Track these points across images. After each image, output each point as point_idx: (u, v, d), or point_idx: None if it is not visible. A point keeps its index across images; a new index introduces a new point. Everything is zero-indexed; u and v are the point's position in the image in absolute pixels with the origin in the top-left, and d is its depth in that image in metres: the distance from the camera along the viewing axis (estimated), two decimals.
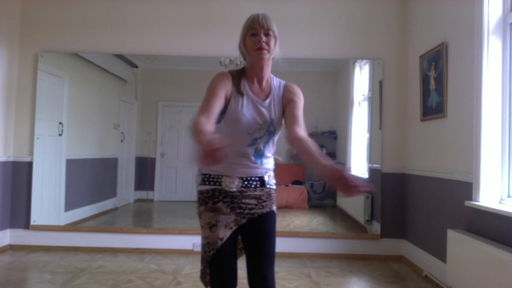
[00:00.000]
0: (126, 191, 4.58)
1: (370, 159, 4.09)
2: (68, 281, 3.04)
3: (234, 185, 1.57)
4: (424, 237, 3.46)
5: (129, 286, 2.98)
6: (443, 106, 3.11)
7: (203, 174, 1.61)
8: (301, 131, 1.53)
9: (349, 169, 1.59)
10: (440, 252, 3.08)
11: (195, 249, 3.89)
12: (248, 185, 1.60)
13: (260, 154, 1.61)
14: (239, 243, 1.65)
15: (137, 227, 4.04)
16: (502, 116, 2.60)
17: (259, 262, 1.59)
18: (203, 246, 1.58)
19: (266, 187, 1.63)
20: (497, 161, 2.61)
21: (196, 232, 3.93)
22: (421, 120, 3.52)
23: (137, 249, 3.92)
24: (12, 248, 3.91)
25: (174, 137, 4.59)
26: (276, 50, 1.57)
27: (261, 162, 1.62)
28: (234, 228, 1.57)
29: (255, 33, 1.53)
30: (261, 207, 1.61)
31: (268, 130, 1.58)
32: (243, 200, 1.59)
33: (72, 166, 4.18)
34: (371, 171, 4.07)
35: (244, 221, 1.58)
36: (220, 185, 1.57)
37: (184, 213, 4.57)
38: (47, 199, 4.03)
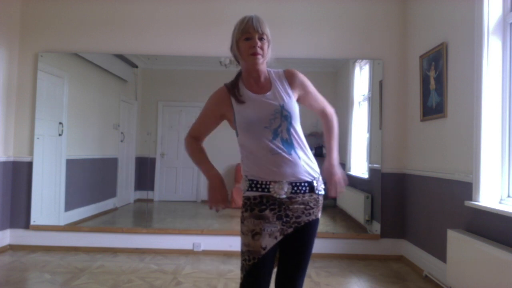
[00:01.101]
0: (126, 191, 4.58)
1: (370, 159, 4.09)
2: (68, 281, 3.04)
3: (283, 191, 1.51)
4: (424, 237, 3.46)
5: (129, 286, 2.98)
6: (443, 106, 3.11)
7: (250, 180, 1.55)
8: (326, 108, 1.70)
9: (340, 167, 1.54)
10: (440, 252, 3.08)
11: (195, 249, 3.89)
12: (297, 191, 1.54)
13: (289, 143, 1.53)
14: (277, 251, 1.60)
15: (137, 227, 4.04)
16: (502, 116, 2.60)
17: (294, 273, 1.56)
18: (243, 253, 1.52)
19: (315, 193, 1.58)
20: (497, 161, 2.61)
21: (196, 232, 3.94)
22: (421, 120, 3.52)
23: (137, 249, 3.92)
24: (12, 248, 3.91)
25: (174, 137, 4.59)
26: (269, 54, 1.57)
27: (297, 154, 1.53)
28: (279, 238, 1.52)
29: (249, 37, 1.51)
30: (308, 214, 1.56)
31: (282, 115, 1.53)
32: (291, 207, 1.53)
33: (72, 166, 4.18)
34: (371, 171, 4.07)
35: (290, 230, 1.53)
36: (268, 191, 1.51)
37: (184, 213, 4.57)
38: (47, 199, 4.03)
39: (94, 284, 3.00)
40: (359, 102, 4.40)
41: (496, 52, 2.60)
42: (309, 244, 1.59)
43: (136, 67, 4.46)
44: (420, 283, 3.20)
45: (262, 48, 1.52)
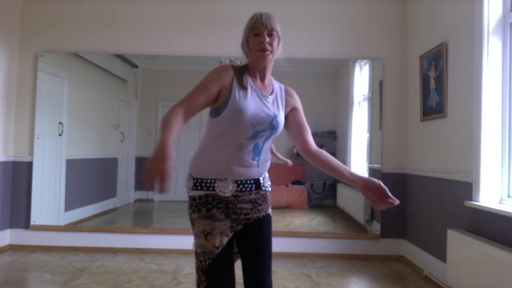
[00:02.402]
0: (126, 191, 4.58)
1: (370, 159, 4.09)
2: (68, 281, 3.04)
3: (228, 190, 1.51)
4: (424, 237, 3.46)
5: (129, 286, 2.98)
6: (443, 106, 3.11)
7: (194, 179, 1.55)
8: (313, 142, 1.64)
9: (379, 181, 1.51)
10: (440, 252, 3.08)
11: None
12: (243, 189, 1.54)
13: (258, 151, 1.54)
14: (234, 247, 1.59)
15: (137, 227, 4.04)
16: (502, 116, 2.60)
17: (257, 269, 1.56)
18: (198, 255, 1.52)
19: (262, 190, 1.59)
20: (497, 161, 2.61)
21: None
22: (421, 120, 3.52)
23: (137, 249, 3.92)
24: (12, 248, 3.91)
25: (174, 137, 4.59)
26: (279, 50, 1.55)
27: (258, 162, 1.55)
28: (230, 235, 1.51)
29: (258, 33, 1.50)
30: (257, 211, 1.56)
31: (271, 124, 1.52)
32: (238, 205, 1.53)
33: (72, 166, 4.18)
34: (371, 171, 4.07)
35: (240, 227, 1.53)
36: (213, 190, 1.51)
37: (184, 213, 4.53)
38: (47, 199, 4.03)
39: (94, 284, 3.00)
40: (359, 102, 4.40)
41: (496, 52, 2.60)
42: (265, 240, 1.58)
43: (136, 67, 4.46)
44: (420, 283, 3.20)
45: (271, 44, 1.50)
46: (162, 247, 3.92)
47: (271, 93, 1.57)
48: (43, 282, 3.03)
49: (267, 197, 1.61)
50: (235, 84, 1.50)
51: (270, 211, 1.62)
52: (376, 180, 1.49)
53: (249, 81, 1.53)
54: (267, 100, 1.54)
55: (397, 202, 1.48)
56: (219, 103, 1.50)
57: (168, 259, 3.72)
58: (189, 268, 3.43)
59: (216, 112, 1.51)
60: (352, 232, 4.06)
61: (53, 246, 3.92)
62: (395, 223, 3.89)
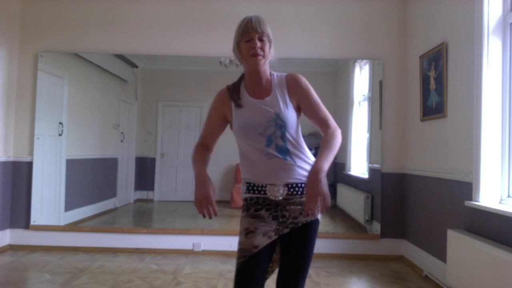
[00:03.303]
0: (126, 191, 4.58)
1: (370, 159, 4.09)
2: (68, 281, 3.04)
3: (279, 193, 1.51)
4: (424, 237, 3.46)
5: (129, 286, 2.98)
6: (443, 106, 3.11)
7: (247, 183, 1.56)
8: (328, 124, 1.56)
9: (323, 179, 1.45)
10: (440, 252, 3.08)
11: (195, 249, 3.89)
12: (294, 192, 1.52)
13: (283, 150, 1.52)
14: (272, 254, 1.56)
15: (137, 227, 4.04)
16: (502, 116, 2.60)
17: (294, 274, 1.52)
18: (237, 252, 1.52)
19: (303, 194, 1.52)
20: (497, 161, 2.61)
21: (196, 232, 3.94)
22: (421, 120, 3.52)
23: (137, 249, 3.92)
24: (12, 248, 3.91)
25: (174, 137, 4.59)
26: (271, 53, 1.55)
27: (292, 159, 1.52)
28: (273, 238, 1.50)
29: (249, 38, 1.50)
30: (306, 215, 1.52)
31: (276, 124, 1.51)
32: (287, 207, 1.51)
33: (72, 166, 4.18)
34: (371, 171, 4.07)
35: (286, 230, 1.51)
36: (265, 193, 1.52)
37: (184, 213, 4.57)
38: (47, 199, 4.03)
39: (94, 284, 3.00)
40: (359, 102, 4.40)
41: (496, 52, 2.60)
42: (309, 245, 1.54)
43: (136, 67, 4.46)
44: (420, 283, 3.20)
45: (262, 49, 1.50)
46: (162, 247, 3.92)
47: (270, 94, 1.55)
48: (43, 282, 3.03)
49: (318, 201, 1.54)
50: (232, 105, 1.57)
51: (319, 216, 1.57)
52: (312, 178, 1.39)
53: (244, 95, 1.57)
54: (265, 104, 1.53)
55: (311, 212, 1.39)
56: (230, 122, 1.61)
57: (168, 259, 3.72)
58: (189, 268, 3.43)
59: (233, 130, 1.60)
60: (352, 232, 4.06)
61: (53, 246, 3.92)
62: (395, 223, 3.89)
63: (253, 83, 1.57)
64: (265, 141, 1.51)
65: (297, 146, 1.55)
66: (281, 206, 1.52)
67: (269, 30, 1.52)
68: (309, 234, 1.54)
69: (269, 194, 1.52)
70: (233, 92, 1.59)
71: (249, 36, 1.50)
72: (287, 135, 1.52)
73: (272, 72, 1.61)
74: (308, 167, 1.54)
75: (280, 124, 1.51)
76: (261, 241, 1.49)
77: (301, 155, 1.55)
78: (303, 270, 1.53)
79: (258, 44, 1.49)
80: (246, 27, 1.50)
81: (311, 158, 1.58)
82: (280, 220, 1.51)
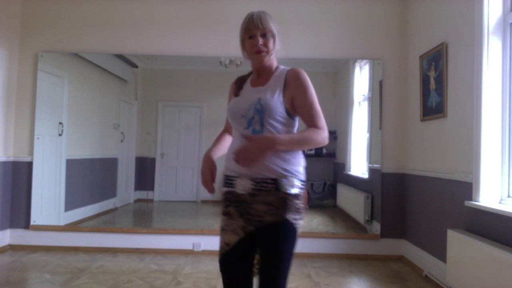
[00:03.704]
0: (126, 191, 4.58)
1: (370, 159, 4.09)
2: (68, 281, 3.04)
3: (244, 187, 1.48)
4: (424, 237, 3.46)
5: (129, 286, 2.98)
6: (443, 106, 3.11)
7: (225, 176, 1.58)
8: (316, 123, 1.52)
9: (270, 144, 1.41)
10: (440, 252, 3.08)
11: (195, 249, 3.89)
12: (261, 188, 1.46)
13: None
14: (251, 251, 1.52)
15: (137, 227, 4.04)
16: (502, 116, 2.60)
17: (268, 276, 1.45)
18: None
19: (281, 192, 1.46)
20: (497, 161, 2.61)
21: (196, 232, 3.94)
22: (421, 120, 3.52)
23: (137, 249, 3.92)
24: (12, 248, 3.91)
25: (174, 137, 4.59)
26: (276, 48, 1.56)
27: None
28: (241, 236, 1.47)
29: (252, 35, 1.52)
30: (272, 214, 1.45)
31: (255, 108, 1.49)
32: (253, 206, 1.47)
33: (72, 166, 4.18)
34: (371, 171, 4.07)
35: (251, 228, 1.46)
36: (234, 187, 1.52)
37: (184, 213, 4.57)
38: (47, 199, 4.03)
39: (94, 284, 3.00)
40: (359, 102, 4.40)
41: (496, 52, 2.60)
42: (278, 247, 1.44)
43: (136, 67, 4.46)
44: (420, 283, 3.20)
45: (266, 45, 1.52)
46: (162, 247, 3.92)
47: (266, 84, 1.55)
48: (43, 282, 3.03)
49: (288, 201, 1.46)
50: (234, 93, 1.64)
51: (290, 216, 1.46)
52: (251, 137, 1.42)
53: (246, 86, 1.61)
54: (256, 91, 1.55)
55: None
56: None
57: (168, 259, 3.72)
58: (189, 268, 3.43)
59: None
60: (352, 232, 4.06)
61: (53, 246, 3.92)
62: (395, 223, 3.89)
63: (257, 76, 1.61)
64: (246, 123, 1.52)
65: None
66: (246, 204, 1.48)
67: (271, 25, 1.52)
68: (278, 234, 1.45)
69: (236, 188, 1.51)
70: (237, 82, 1.65)
71: (251, 33, 1.52)
72: (265, 122, 1.48)
73: (280, 65, 1.61)
74: (284, 162, 1.47)
75: (258, 108, 1.49)
76: (231, 238, 1.50)
77: (279, 153, 1.47)
78: (277, 272, 1.45)
79: (261, 41, 1.51)
80: (248, 24, 1.52)
81: (295, 161, 1.50)
82: (246, 217, 1.48)
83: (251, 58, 1.57)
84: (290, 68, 1.57)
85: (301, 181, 1.52)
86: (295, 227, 1.47)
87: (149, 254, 3.84)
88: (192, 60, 4.15)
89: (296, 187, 1.48)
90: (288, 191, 1.46)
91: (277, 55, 1.61)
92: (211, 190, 1.56)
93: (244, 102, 1.54)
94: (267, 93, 1.52)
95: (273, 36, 1.53)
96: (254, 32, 1.51)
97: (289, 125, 1.53)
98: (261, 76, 1.59)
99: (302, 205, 1.52)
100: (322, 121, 1.53)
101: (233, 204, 1.51)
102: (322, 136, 1.51)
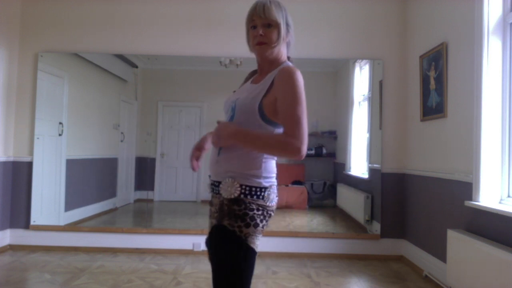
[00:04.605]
0: (126, 191, 4.58)
1: (370, 159, 4.09)
2: (68, 281, 3.04)
3: (208, 189, 1.48)
4: (424, 237, 3.46)
5: (129, 286, 2.98)
6: (443, 106, 3.11)
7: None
8: (289, 131, 1.29)
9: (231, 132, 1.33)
10: (440, 252, 3.08)
11: (195, 249, 3.89)
12: (212, 190, 1.44)
13: None
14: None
15: (137, 227, 4.04)
16: (502, 116, 2.60)
17: (213, 278, 1.37)
18: None
19: (220, 194, 1.37)
20: (497, 161, 2.61)
21: (196, 232, 3.94)
22: (421, 120, 3.52)
23: (137, 249, 3.92)
24: (12, 248, 3.91)
25: (174, 137, 4.59)
26: (281, 39, 1.41)
27: (218, 152, 1.42)
28: (207, 237, 1.43)
29: (254, 25, 1.41)
30: (214, 217, 1.41)
31: (232, 108, 1.42)
32: (211, 207, 1.47)
33: (72, 166, 4.18)
34: (371, 171, 4.07)
35: (210, 230, 1.43)
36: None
37: (184, 213, 4.57)
38: (47, 199, 4.03)
39: (94, 284, 3.00)
40: (359, 102, 4.40)
41: (496, 52, 2.60)
42: (214, 254, 1.36)
43: (136, 67, 4.45)
44: (420, 283, 3.20)
45: (268, 36, 1.39)
46: (162, 247, 3.92)
47: (262, 81, 1.43)
48: (43, 282, 3.03)
49: (224, 206, 1.35)
50: None
51: (227, 222, 1.32)
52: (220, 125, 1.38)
53: (247, 83, 1.53)
54: (249, 88, 1.44)
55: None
56: None
57: (168, 259, 3.72)
58: (189, 268, 3.43)
59: None
60: (352, 232, 4.05)
61: (53, 246, 3.92)
62: (395, 223, 3.89)
63: (260, 71, 1.50)
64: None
65: (233, 148, 1.37)
66: (211, 204, 1.48)
67: (276, 15, 1.39)
68: (213, 240, 1.38)
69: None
70: (249, 75, 1.59)
71: (253, 23, 1.41)
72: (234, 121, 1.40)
73: (287, 62, 1.48)
74: (230, 169, 1.36)
75: (232, 108, 1.42)
76: (207, 238, 1.44)
77: (235, 153, 1.36)
78: (215, 279, 1.36)
79: (261, 31, 1.38)
80: (251, 13, 1.42)
81: (246, 163, 1.35)
82: (210, 218, 1.48)
83: (253, 50, 1.45)
84: (283, 66, 1.41)
85: (249, 186, 1.34)
86: (235, 234, 1.31)
87: (149, 254, 3.84)
88: (192, 60, 4.15)
89: (235, 192, 1.33)
90: (224, 196, 1.35)
91: (290, 51, 1.50)
92: (191, 166, 1.54)
93: (232, 99, 1.46)
94: (248, 93, 1.40)
95: (278, 27, 1.39)
96: (256, 22, 1.40)
97: (259, 128, 1.36)
98: (263, 72, 1.47)
99: (247, 211, 1.32)
100: (301, 131, 1.28)
101: (209, 205, 1.51)
102: (294, 146, 1.26)
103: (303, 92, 1.33)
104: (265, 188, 1.36)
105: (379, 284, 3.15)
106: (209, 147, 1.57)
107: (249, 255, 1.33)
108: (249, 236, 1.32)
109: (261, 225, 1.35)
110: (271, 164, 1.42)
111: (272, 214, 1.41)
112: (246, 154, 1.36)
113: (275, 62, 1.44)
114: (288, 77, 1.33)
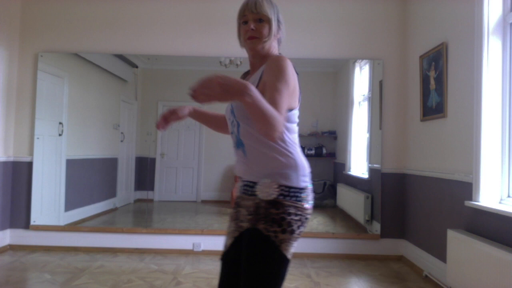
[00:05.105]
0: (126, 191, 4.58)
1: (370, 159, 4.09)
2: (68, 281, 3.04)
3: (239, 190, 1.42)
4: (424, 237, 3.46)
5: (129, 286, 2.98)
6: (443, 106, 3.11)
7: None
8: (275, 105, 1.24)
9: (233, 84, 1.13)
10: (440, 252, 3.08)
11: (195, 249, 3.89)
12: (245, 192, 1.37)
13: (238, 141, 1.39)
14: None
15: (137, 227, 4.04)
16: (502, 116, 2.60)
17: (243, 284, 1.29)
18: None
19: (257, 197, 1.31)
20: (497, 161, 2.61)
21: (196, 232, 3.94)
22: (421, 120, 3.52)
23: (137, 249, 3.92)
24: (12, 248, 3.91)
25: (174, 137, 4.59)
26: (271, 35, 1.40)
27: (244, 153, 1.36)
28: (233, 240, 1.40)
29: (245, 20, 1.40)
30: (247, 220, 1.32)
31: (231, 109, 1.40)
32: (240, 209, 1.38)
33: (72, 166, 4.18)
34: (371, 171, 4.07)
35: (237, 233, 1.38)
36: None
37: (184, 213, 4.57)
38: (47, 199, 4.03)
39: (94, 284, 3.00)
40: (359, 102, 4.40)
41: (496, 52, 2.60)
42: (246, 258, 1.29)
43: (136, 67, 4.45)
44: (420, 283, 3.20)
45: (259, 31, 1.38)
46: (162, 247, 3.92)
47: (253, 76, 1.43)
48: (43, 282, 3.03)
49: (261, 208, 1.29)
50: None
51: (262, 226, 1.27)
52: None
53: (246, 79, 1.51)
54: None
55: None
56: None
57: (168, 259, 3.72)
58: (189, 268, 3.43)
59: None
60: (352, 232, 4.06)
61: (53, 246, 3.92)
62: (395, 223, 3.89)
63: (252, 68, 1.48)
64: (230, 127, 1.45)
65: (258, 140, 1.32)
66: (239, 207, 1.40)
67: (268, 10, 1.39)
68: (247, 243, 1.30)
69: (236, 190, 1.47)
70: (244, 75, 1.56)
71: (245, 18, 1.40)
72: (242, 125, 1.35)
73: (278, 54, 1.46)
74: (267, 168, 1.31)
75: (231, 110, 1.39)
76: (227, 241, 1.44)
77: (263, 151, 1.32)
78: (246, 282, 1.28)
79: (252, 25, 1.37)
80: (242, 8, 1.41)
81: (282, 162, 1.31)
82: (236, 221, 1.40)
83: (244, 45, 1.43)
84: (274, 56, 1.39)
85: (287, 187, 1.29)
86: (269, 240, 1.26)
87: (149, 254, 3.84)
88: (192, 60, 4.15)
89: (273, 193, 1.28)
90: (261, 197, 1.30)
91: (282, 49, 1.49)
92: (158, 122, 1.51)
93: (229, 104, 1.44)
94: None
95: (269, 22, 1.39)
96: (248, 16, 1.38)
97: None
98: (255, 69, 1.45)
99: (285, 216, 1.27)
100: (282, 110, 1.23)
101: (234, 207, 1.44)
102: (278, 121, 1.18)
103: (289, 75, 1.30)
104: (303, 189, 1.32)
105: (379, 284, 3.15)
106: (183, 116, 1.54)
107: (283, 262, 1.29)
108: (283, 243, 1.27)
109: (297, 231, 1.30)
110: (304, 161, 1.37)
111: (309, 218, 1.35)
112: (278, 152, 1.31)
113: (266, 58, 1.41)
114: (279, 63, 1.31)
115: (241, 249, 1.34)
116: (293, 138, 1.37)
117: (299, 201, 1.30)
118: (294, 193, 1.30)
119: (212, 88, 1.10)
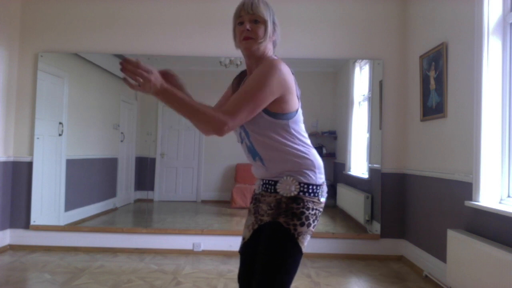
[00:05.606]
0: (126, 191, 4.58)
1: (370, 159, 4.08)
2: (68, 281, 3.04)
3: (258, 187, 1.52)
4: (424, 237, 3.46)
5: (129, 286, 2.98)
6: (443, 106, 3.11)
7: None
8: (224, 108, 1.30)
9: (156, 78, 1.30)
10: (440, 252, 3.08)
11: (195, 249, 3.89)
12: (266, 189, 1.46)
13: (253, 151, 1.45)
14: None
15: (137, 227, 4.04)
16: (502, 116, 2.60)
17: (257, 275, 1.36)
18: None
19: (278, 193, 1.40)
20: (497, 161, 2.61)
21: (196, 232, 3.94)
22: (421, 120, 3.52)
23: (137, 249, 3.92)
24: (12, 248, 3.91)
25: (174, 137, 4.59)
26: (267, 37, 1.40)
27: (262, 161, 1.43)
28: (251, 232, 1.50)
29: (241, 21, 1.41)
30: (268, 215, 1.42)
31: None
32: (261, 204, 1.48)
33: (72, 166, 4.18)
34: (371, 171, 4.07)
35: (256, 226, 1.48)
36: (255, 187, 1.58)
37: (184, 213, 4.57)
38: (47, 199, 4.03)
39: (94, 284, 3.00)
40: (359, 102, 4.40)
41: (496, 52, 2.60)
42: (265, 248, 1.38)
43: None
44: (420, 283, 3.20)
45: (254, 32, 1.39)
46: (162, 247, 3.92)
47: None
48: (43, 282, 3.03)
49: (281, 203, 1.38)
50: None
51: (283, 219, 1.37)
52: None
53: (242, 83, 1.53)
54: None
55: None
56: None
57: (168, 259, 3.72)
58: (189, 268, 3.43)
59: None
60: (352, 232, 4.06)
61: (53, 246, 3.92)
62: (395, 223, 3.89)
63: (248, 70, 1.49)
64: (239, 138, 1.52)
65: (273, 148, 1.40)
66: (259, 202, 1.50)
67: (264, 12, 1.40)
68: (266, 236, 1.40)
69: (255, 188, 1.56)
70: (238, 77, 1.59)
71: (241, 18, 1.42)
72: (254, 134, 1.40)
73: (273, 56, 1.48)
74: (287, 168, 1.39)
75: None
76: (246, 233, 1.53)
77: (281, 157, 1.40)
78: (261, 273, 1.36)
79: (248, 26, 1.39)
80: (238, 9, 1.43)
81: (300, 162, 1.40)
82: (256, 215, 1.51)
83: (240, 46, 1.44)
84: (269, 58, 1.42)
85: (307, 184, 1.39)
86: (289, 232, 1.35)
87: (149, 254, 3.84)
88: (192, 60, 4.15)
89: (294, 190, 1.38)
90: (283, 193, 1.39)
91: (274, 45, 1.48)
92: (122, 64, 1.29)
93: None
94: None
95: (265, 23, 1.39)
96: (244, 17, 1.40)
97: (275, 126, 1.38)
98: (251, 70, 1.46)
99: (304, 210, 1.37)
100: (237, 109, 1.28)
101: (253, 202, 1.55)
102: (218, 120, 1.25)
103: (270, 81, 1.30)
104: (320, 185, 1.43)
105: (379, 284, 3.15)
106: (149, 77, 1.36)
107: (298, 254, 1.39)
108: (301, 235, 1.38)
109: (312, 225, 1.41)
110: (319, 159, 1.48)
111: (321, 212, 1.46)
112: (294, 155, 1.40)
113: (261, 60, 1.42)
114: (264, 64, 1.35)
115: (258, 242, 1.43)
116: (304, 140, 1.45)
117: (316, 196, 1.42)
118: (313, 189, 1.41)
119: (142, 77, 1.24)
